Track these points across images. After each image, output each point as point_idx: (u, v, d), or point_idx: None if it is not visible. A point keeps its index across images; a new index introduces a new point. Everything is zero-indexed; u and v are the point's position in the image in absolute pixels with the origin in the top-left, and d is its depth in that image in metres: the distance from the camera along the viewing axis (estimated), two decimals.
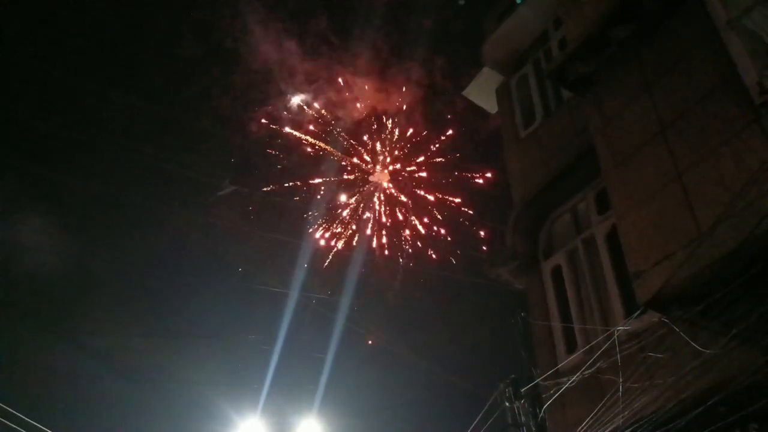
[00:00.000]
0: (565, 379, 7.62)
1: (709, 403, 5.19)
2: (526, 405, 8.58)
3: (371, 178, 30.75)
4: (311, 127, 30.53)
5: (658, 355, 5.99)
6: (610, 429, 6.62)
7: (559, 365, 8.04)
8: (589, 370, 7.05)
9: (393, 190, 30.93)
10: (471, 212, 30.58)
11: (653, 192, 5.74)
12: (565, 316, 8.54)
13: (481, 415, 9.79)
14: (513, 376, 9.06)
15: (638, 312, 6.00)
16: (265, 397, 19.76)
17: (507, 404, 8.90)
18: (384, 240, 30.65)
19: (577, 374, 7.11)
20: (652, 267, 5.42)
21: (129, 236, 32.82)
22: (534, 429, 8.38)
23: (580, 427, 6.92)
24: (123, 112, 30.33)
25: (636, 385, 6.38)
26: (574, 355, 7.91)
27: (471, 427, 10.18)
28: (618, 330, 6.62)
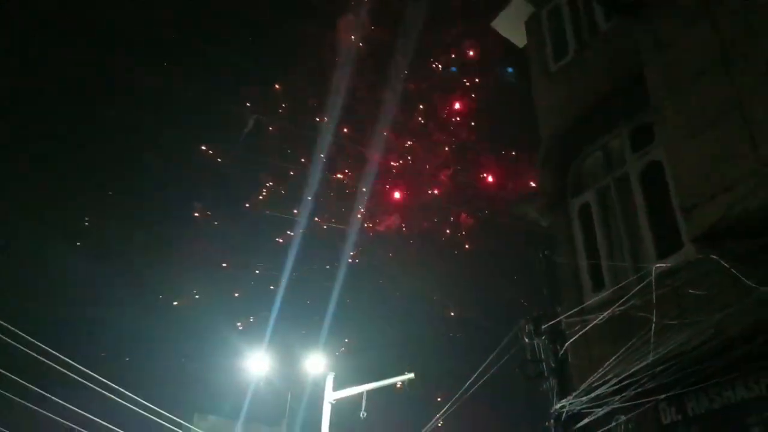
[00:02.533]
0: (591, 316, 7.52)
1: (755, 342, 5.03)
2: (547, 342, 8.49)
3: None
4: None
5: (699, 292, 5.81)
6: (638, 367, 6.52)
7: (585, 303, 7.91)
8: (620, 308, 6.92)
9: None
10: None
11: (710, 122, 5.45)
12: (593, 255, 8.37)
13: (498, 350, 9.76)
14: (534, 313, 8.96)
15: (683, 247, 5.79)
16: (271, 329, 19.87)
17: (526, 340, 8.83)
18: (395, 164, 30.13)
19: (608, 311, 6.99)
20: (708, 200, 5.18)
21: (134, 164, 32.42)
22: (553, 365, 8.30)
23: (606, 363, 6.81)
24: None
25: (670, 322, 6.24)
26: (602, 294, 7.78)
27: (487, 362, 10.18)
28: (655, 267, 6.44)
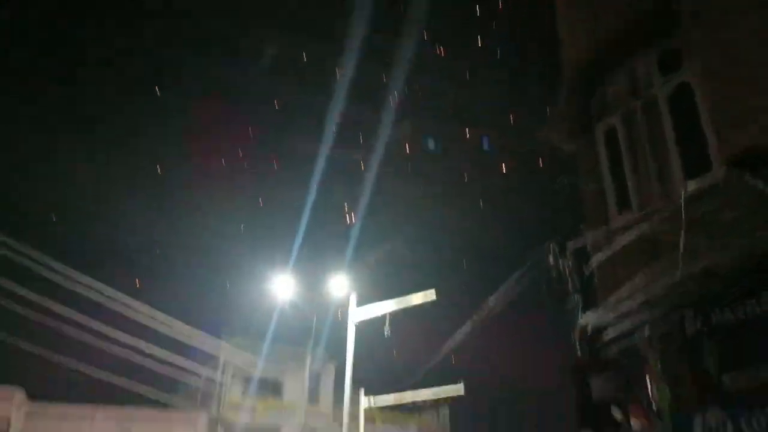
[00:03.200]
0: (618, 237, 7.82)
1: None
2: (572, 263, 8.84)
3: None
4: None
5: (728, 214, 6.07)
6: (664, 287, 6.87)
7: (611, 225, 8.20)
8: (647, 230, 7.21)
9: None
10: None
11: (747, 44, 5.52)
12: (619, 180, 8.58)
13: (522, 271, 10.17)
14: (559, 235, 9.28)
15: (712, 170, 6.00)
16: (296, 253, 20.41)
17: (551, 262, 9.19)
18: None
19: (634, 232, 7.27)
20: (742, 123, 5.35)
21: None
22: (578, 286, 8.68)
23: (632, 281, 7.17)
24: None
25: (697, 242, 6.53)
26: (628, 216, 8.05)
27: (511, 283, 10.63)
28: (684, 189, 6.67)
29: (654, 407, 8.73)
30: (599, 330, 7.88)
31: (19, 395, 27.50)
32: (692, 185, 6.66)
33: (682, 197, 6.36)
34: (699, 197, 6.82)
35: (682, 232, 6.46)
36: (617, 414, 7.72)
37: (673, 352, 7.80)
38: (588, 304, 8.21)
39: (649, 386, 9.17)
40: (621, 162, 8.61)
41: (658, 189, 7.76)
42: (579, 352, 8.04)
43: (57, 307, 16.38)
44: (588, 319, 7.85)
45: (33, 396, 28.41)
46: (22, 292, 15.47)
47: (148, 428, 28.16)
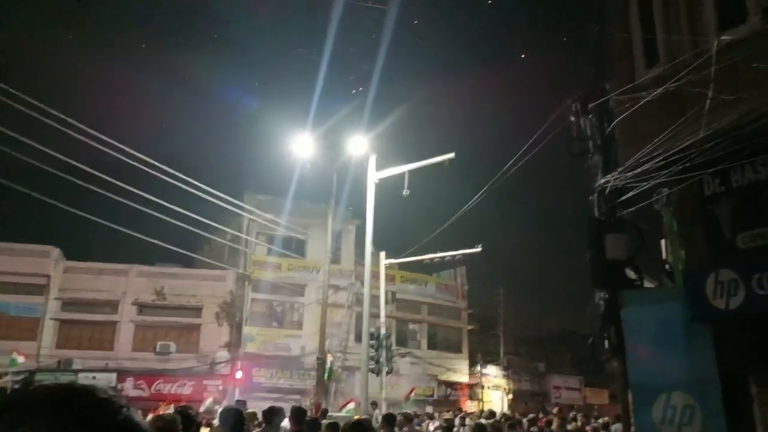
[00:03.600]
0: (642, 93, 7.44)
1: None
2: (594, 120, 8.53)
3: None
4: None
5: (761, 66, 5.66)
6: (687, 143, 6.60)
7: (637, 80, 7.77)
8: (674, 84, 6.82)
9: None
10: None
11: None
12: (648, 29, 8.02)
13: (543, 128, 9.88)
14: (581, 91, 8.89)
15: (747, 20, 5.52)
16: (313, 112, 20.12)
17: (573, 118, 8.88)
18: None
19: (661, 87, 6.89)
20: None
21: None
22: (599, 142, 8.43)
23: (655, 140, 6.90)
24: None
25: (726, 98, 6.18)
26: (655, 70, 7.61)
27: (532, 140, 10.38)
28: (717, 40, 6.20)
29: (667, 267, 8.80)
30: (618, 190, 7.74)
31: (55, 252, 28.91)
32: (725, 36, 6.18)
33: (714, 48, 5.92)
34: (730, 50, 6.37)
35: (711, 85, 6.09)
36: (631, 273, 7.79)
37: (689, 213, 7.69)
38: (608, 164, 8.01)
39: (663, 246, 9.19)
40: (651, 11, 8.01)
41: (689, 41, 7.25)
42: (596, 212, 7.96)
43: (89, 171, 16.64)
44: (607, 179, 7.67)
45: (70, 254, 29.87)
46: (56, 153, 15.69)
47: (178, 284, 29.64)
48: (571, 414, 17.08)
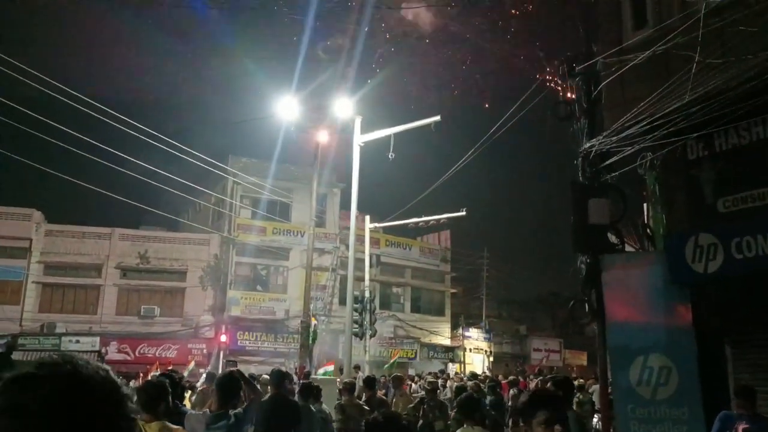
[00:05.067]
0: (630, 56, 7.38)
1: None
2: (581, 83, 8.46)
3: None
4: None
5: (748, 29, 5.63)
6: (672, 107, 6.59)
7: (625, 42, 7.71)
8: (662, 46, 6.77)
9: None
10: None
11: None
12: None
13: (529, 92, 9.82)
14: (568, 53, 8.80)
15: None
16: (298, 74, 19.81)
17: (559, 81, 8.82)
18: None
19: (649, 50, 6.83)
20: None
21: None
22: (586, 106, 8.38)
23: (641, 104, 6.88)
24: None
25: (713, 61, 6.15)
26: (643, 32, 7.55)
27: (518, 104, 10.32)
28: (706, 2, 6.14)
29: (648, 231, 8.86)
30: (602, 155, 7.73)
31: (37, 215, 28.58)
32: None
33: (702, 10, 5.86)
34: (718, 13, 6.33)
35: (698, 48, 6.05)
36: (612, 237, 7.84)
37: (672, 177, 7.74)
38: (593, 128, 7.99)
39: (645, 210, 9.25)
40: None
41: (678, 3, 7.19)
42: (580, 176, 7.97)
43: (71, 132, 16.32)
44: (592, 143, 7.66)
45: (52, 218, 29.56)
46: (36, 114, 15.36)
47: (162, 248, 29.51)
48: (549, 376, 17.34)
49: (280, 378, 6.69)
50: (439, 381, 15.72)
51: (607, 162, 7.70)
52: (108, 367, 1.10)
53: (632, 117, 6.89)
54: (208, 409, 4.58)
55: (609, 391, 7.77)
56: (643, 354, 7.11)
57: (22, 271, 27.71)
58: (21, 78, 14.62)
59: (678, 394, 6.87)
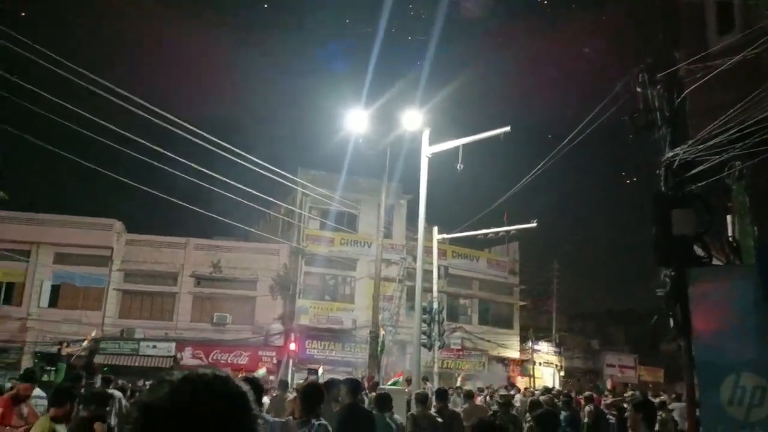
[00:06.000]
0: (715, 62, 7.10)
1: None
2: (663, 90, 8.18)
3: None
4: None
5: None
6: (764, 114, 6.29)
7: (710, 48, 7.42)
8: (752, 51, 6.48)
9: None
10: None
11: None
12: None
13: (607, 99, 9.58)
14: (648, 60, 8.53)
15: None
16: (368, 86, 20.01)
17: (639, 90, 8.55)
18: None
19: (739, 55, 6.56)
20: None
21: None
22: (668, 114, 8.10)
23: (729, 111, 6.59)
24: None
25: None
26: (730, 37, 7.25)
27: (594, 112, 10.08)
28: None
29: (734, 244, 8.45)
30: (687, 164, 7.44)
31: (118, 225, 29.95)
32: None
33: None
34: None
35: None
36: (699, 250, 7.51)
37: (764, 187, 7.36)
38: (676, 137, 7.70)
39: (729, 222, 8.83)
40: None
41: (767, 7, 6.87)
42: (663, 186, 7.69)
43: (149, 145, 17.08)
44: (676, 152, 7.38)
45: (131, 228, 30.93)
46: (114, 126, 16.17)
47: (234, 257, 30.33)
48: (628, 393, 16.78)
49: (356, 387, 6.72)
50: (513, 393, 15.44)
51: (692, 171, 7.40)
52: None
53: (721, 124, 6.61)
54: (291, 417, 4.63)
55: (696, 411, 7.42)
56: (734, 372, 6.75)
57: (104, 279, 29.05)
58: (103, 94, 15.38)
59: None
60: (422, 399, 8.33)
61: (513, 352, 35.65)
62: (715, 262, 8.47)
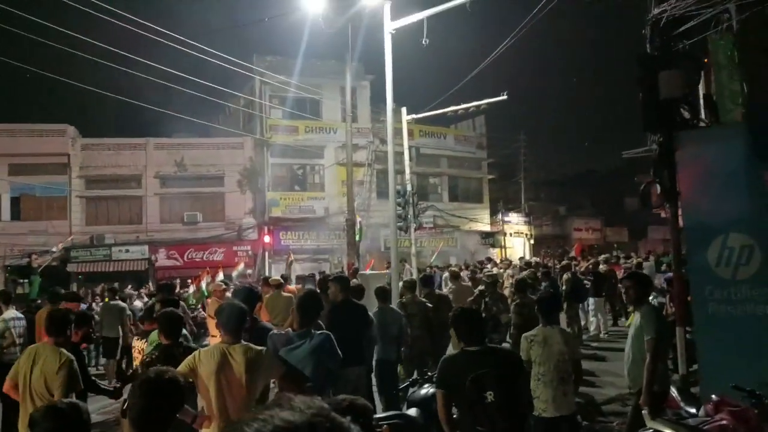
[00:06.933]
0: None
1: None
2: None
3: None
4: None
5: None
6: None
7: None
8: None
9: None
10: None
11: None
12: None
13: None
14: None
15: None
16: None
17: None
18: None
19: None
20: None
21: None
22: None
23: None
24: None
25: None
26: None
27: None
28: None
29: (712, 102, 8.22)
30: (676, 20, 7.02)
31: (71, 130, 28.58)
32: None
33: None
34: None
35: None
36: (686, 113, 7.27)
37: (756, 41, 7.02)
38: None
39: (707, 80, 8.54)
40: None
41: None
42: (648, 47, 7.30)
43: (94, 42, 15.78)
44: (663, 8, 6.93)
45: (86, 132, 29.58)
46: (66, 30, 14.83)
47: (197, 154, 29.47)
48: (602, 256, 17.23)
49: (346, 283, 6.57)
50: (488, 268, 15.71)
51: (682, 28, 6.99)
52: None
53: None
54: (290, 329, 4.43)
55: (684, 271, 7.50)
56: (722, 233, 6.75)
57: (65, 188, 28.12)
58: None
59: (760, 274, 6.56)
60: (410, 286, 8.29)
61: (484, 226, 36.33)
62: (704, 122, 8.29)
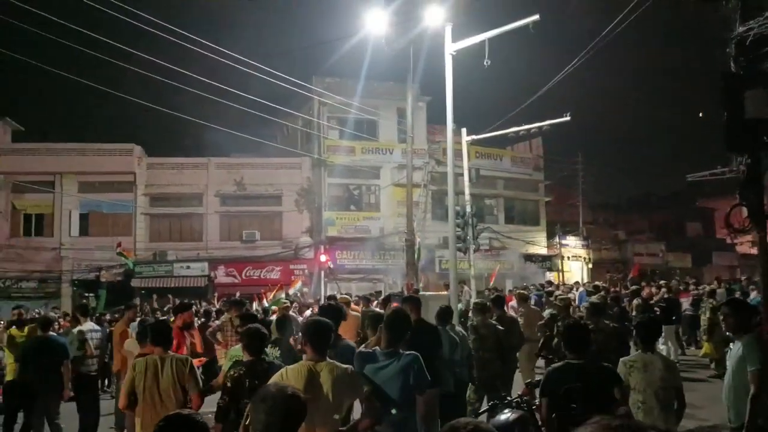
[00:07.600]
0: None
1: None
2: None
3: None
4: None
5: None
6: None
7: None
8: None
9: None
10: None
11: None
12: None
13: None
14: None
15: None
16: None
17: None
18: None
19: None
20: None
21: None
22: None
23: None
24: None
25: None
26: None
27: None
28: None
29: None
30: (762, 40, 6.77)
31: (137, 149, 29.63)
32: None
33: None
34: None
35: None
36: None
37: None
38: (750, 8, 6.98)
39: None
40: None
41: None
42: (733, 65, 7.05)
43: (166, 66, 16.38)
44: (750, 25, 6.69)
45: (152, 151, 30.64)
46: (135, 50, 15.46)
47: (256, 174, 30.07)
48: (674, 282, 16.62)
49: (419, 303, 6.50)
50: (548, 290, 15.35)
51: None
52: None
53: None
54: (377, 347, 4.39)
55: None
56: None
57: (131, 205, 29.08)
58: (109, 12, 14.57)
59: None
60: (482, 308, 8.14)
61: (541, 249, 35.70)
62: None
